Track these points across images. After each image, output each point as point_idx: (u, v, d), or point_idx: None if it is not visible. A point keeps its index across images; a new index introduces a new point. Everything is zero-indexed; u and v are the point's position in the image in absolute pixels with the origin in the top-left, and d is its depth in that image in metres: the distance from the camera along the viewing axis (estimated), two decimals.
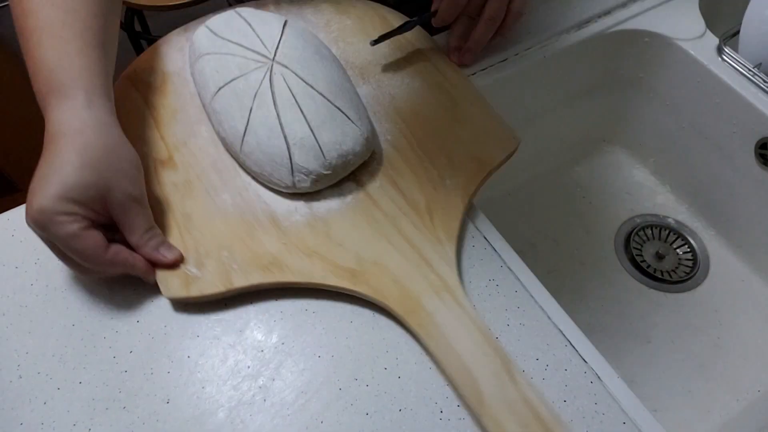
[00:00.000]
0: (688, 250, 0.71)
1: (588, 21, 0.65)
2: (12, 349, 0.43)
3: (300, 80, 0.49)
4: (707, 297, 0.68)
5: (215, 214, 0.47)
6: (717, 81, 0.62)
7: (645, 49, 0.67)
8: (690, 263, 0.70)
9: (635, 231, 0.73)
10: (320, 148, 0.46)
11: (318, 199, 0.48)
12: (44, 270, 0.46)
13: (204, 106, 0.52)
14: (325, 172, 0.47)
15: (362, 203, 0.48)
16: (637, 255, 0.71)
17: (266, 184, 0.49)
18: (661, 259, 0.71)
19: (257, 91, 0.48)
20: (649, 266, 0.70)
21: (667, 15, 0.66)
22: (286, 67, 0.49)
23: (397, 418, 0.40)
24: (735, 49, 0.63)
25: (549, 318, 0.45)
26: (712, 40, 0.64)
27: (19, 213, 0.50)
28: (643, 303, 0.68)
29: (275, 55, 0.50)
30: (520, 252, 0.48)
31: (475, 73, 0.60)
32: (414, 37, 0.59)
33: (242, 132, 0.48)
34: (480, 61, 0.60)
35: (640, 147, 0.77)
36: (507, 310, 0.45)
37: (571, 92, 0.71)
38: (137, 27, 1.47)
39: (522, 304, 0.45)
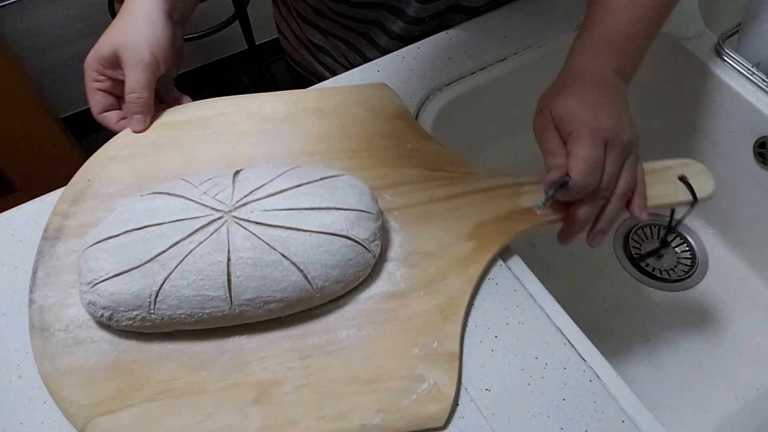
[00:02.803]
0: (687, 248, 0.71)
1: None
2: (12, 348, 0.43)
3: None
4: (706, 295, 0.68)
5: None
6: (716, 80, 0.62)
7: None
8: (689, 262, 0.70)
9: (634, 229, 0.73)
10: (362, 211, 0.43)
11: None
12: None
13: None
14: (379, 223, 0.45)
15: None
16: (636, 254, 0.71)
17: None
18: (660, 258, 0.71)
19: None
20: (647, 265, 0.70)
21: None
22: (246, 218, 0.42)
23: None
24: (734, 48, 0.63)
25: (548, 317, 0.45)
26: (711, 39, 0.64)
27: (19, 213, 0.50)
28: (641, 302, 0.68)
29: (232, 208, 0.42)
30: (519, 251, 0.48)
31: (474, 72, 0.60)
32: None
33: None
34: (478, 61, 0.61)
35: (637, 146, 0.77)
36: (506, 309, 0.45)
37: None
38: None
39: (521, 303, 0.45)
